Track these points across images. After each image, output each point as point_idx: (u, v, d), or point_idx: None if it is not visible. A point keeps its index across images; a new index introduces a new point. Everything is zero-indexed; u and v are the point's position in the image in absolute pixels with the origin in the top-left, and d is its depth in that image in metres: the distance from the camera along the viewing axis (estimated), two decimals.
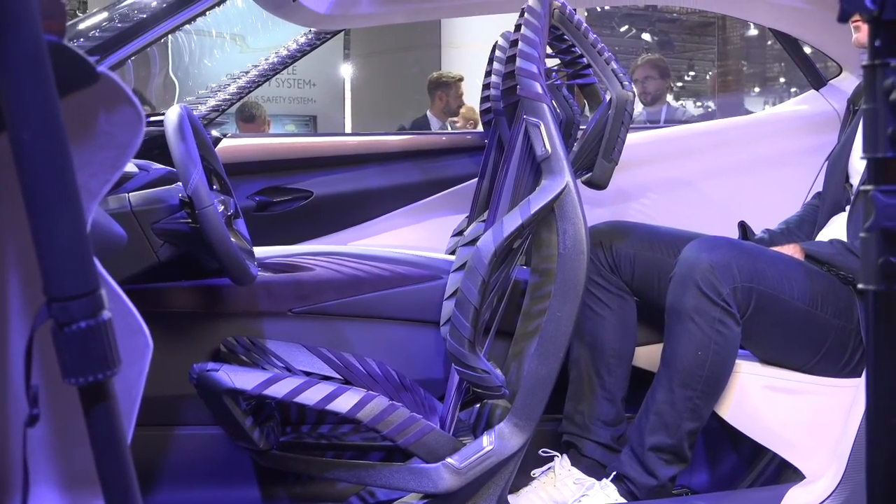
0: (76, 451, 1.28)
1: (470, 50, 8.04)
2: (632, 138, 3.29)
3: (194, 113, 3.42)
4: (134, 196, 2.59)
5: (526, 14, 2.63)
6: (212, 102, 3.61)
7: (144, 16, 2.47)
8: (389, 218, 3.65)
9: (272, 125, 10.77)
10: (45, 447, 1.17)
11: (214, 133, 3.55)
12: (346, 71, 12.60)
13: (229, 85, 3.66)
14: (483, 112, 3.42)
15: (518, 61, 2.57)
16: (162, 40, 2.73)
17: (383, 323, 3.00)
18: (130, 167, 2.70)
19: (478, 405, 2.91)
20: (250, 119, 7.23)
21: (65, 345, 1.00)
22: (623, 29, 16.65)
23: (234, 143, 3.56)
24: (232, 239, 2.54)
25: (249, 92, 3.69)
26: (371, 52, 12.35)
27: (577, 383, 2.86)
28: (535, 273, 2.66)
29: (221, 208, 2.62)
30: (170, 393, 2.78)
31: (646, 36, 16.85)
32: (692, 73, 19.26)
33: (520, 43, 2.59)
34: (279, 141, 3.92)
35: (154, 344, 2.78)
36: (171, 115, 2.55)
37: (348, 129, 12.16)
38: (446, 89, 7.00)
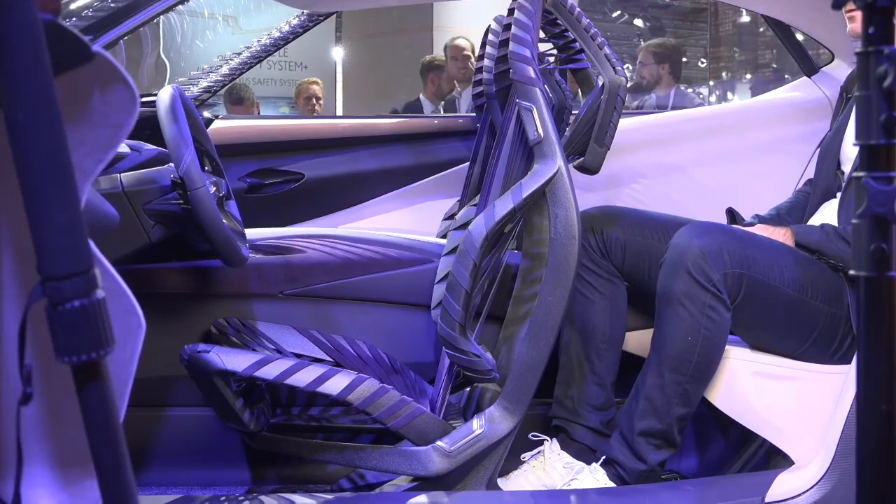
0: (69, 430, 1.28)
1: (462, 33, 8.03)
2: (624, 123, 3.29)
3: (188, 93, 3.43)
4: (126, 176, 2.59)
5: None
6: (203, 84, 3.60)
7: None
8: (381, 201, 3.65)
9: (263, 107, 10.75)
10: (39, 426, 1.18)
11: (206, 114, 3.54)
12: (338, 53, 12.55)
13: (221, 66, 3.64)
14: (475, 96, 3.42)
15: (511, 45, 2.57)
16: (154, 21, 2.72)
17: (374, 305, 3.00)
18: (122, 147, 2.69)
19: (468, 388, 2.91)
20: (239, 101, 7.21)
21: (58, 323, 1.00)
22: (615, 14, 16.61)
23: (225, 125, 3.55)
24: (223, 221, 2.54)
25: (241, 74, 3.68)
26: (363, 35, 12.31)
27: (567, 368, 2.86)
28: (527, 257, 2.66)
29: (213, 190, 2.61)
30: (161, 374, 2.78)
31: (638, 21, 16.81)
32: (684, 60, 19.24)
33: (513, 27, 2.59)
34: (271, 123, 3.91)
35: (145, 325, 2.79)
36: (164, 96, 2.55)
37: (339, 112, 12.12)
38: (438, 72, 7.01)
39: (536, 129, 2.52)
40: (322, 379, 2.47)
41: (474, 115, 3.58)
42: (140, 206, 2.57)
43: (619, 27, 16.38)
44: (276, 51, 3.71)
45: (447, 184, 3.62)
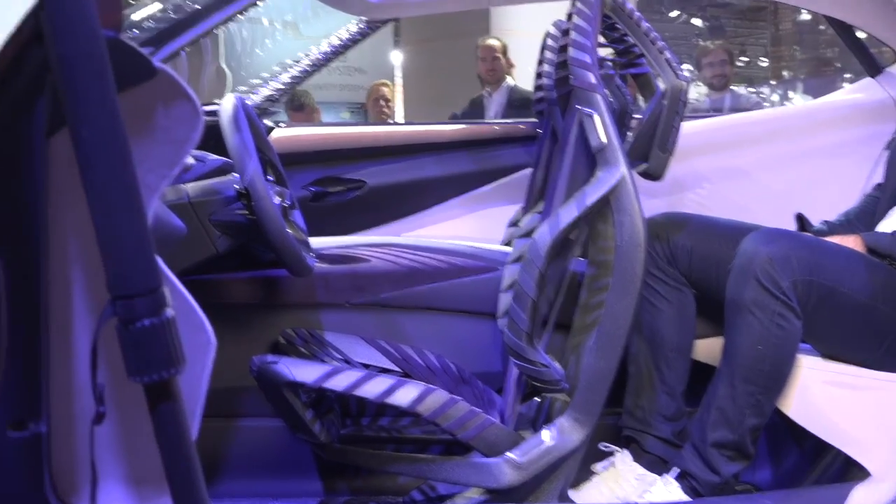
0: (143, 446, 1.27)
1: (520, 36, 7.99)
2: (688, 127, 3.25)
3: (249, 102, 3.43)
4: (191, 187, 2.59)
5: (578, 3, 2.60)
6: (265, 92, 3.60)
7: (197, 6, 2.46)
8: (444, 208, 3.63)
9: (325, 113, 10.77)
10: (113, 443, 1.17)
11: (268, 123, 3.54)
12: (397, 58, 12.57)
13: (281, 75, 3.64)
14: (536, 101, 3.39)
15: (570, 51, 2.54)
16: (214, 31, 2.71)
17: (441, 315, 2.98)
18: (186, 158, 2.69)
19: (538, 399, 2.88)
20: (300, 108, 7.21)
21: (129, 343, 0.99)
22: (673, 14, 16.51)
23: (287, 134, 3.55)
24: (288, 230, 2.53)
25: (302, 81, 3.68)
26: (421, 40, 12.31)
27: (637, 378, 2.83)
28: (593, 265, 2.63)
29: (277, 199, 2.61)
30: (231, 384, 2.77)
31: (696, 21, 16.69)
32: (744, 59, 19.06)
33: (572, 32, 2.56)
34: (333, 130, 3.92)
35: (215, 341, 2.78)
36: (226, 106, 2.55)
37: (399, 117, 12.13)
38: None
39: (598, 136, 2.49)
40: (391, 390, 2.45)
41: (535, 120, 3.56)
42: (206, 216, 2.57)
43: (677, 27, 16.28)
44: (335, 58, 3.70)
45: (510, 190, 3.60)
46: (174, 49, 2.48)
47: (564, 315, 2.78)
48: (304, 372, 2.46)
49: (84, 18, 0.95)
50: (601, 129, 2.50)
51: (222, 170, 2.72)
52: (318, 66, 3.69)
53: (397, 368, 2.80)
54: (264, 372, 2.47)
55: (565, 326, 2.77)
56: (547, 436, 2.54)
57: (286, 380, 2.45)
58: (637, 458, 2.73)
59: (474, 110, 6.96)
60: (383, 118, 7.44)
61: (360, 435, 2.79)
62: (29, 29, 1.10)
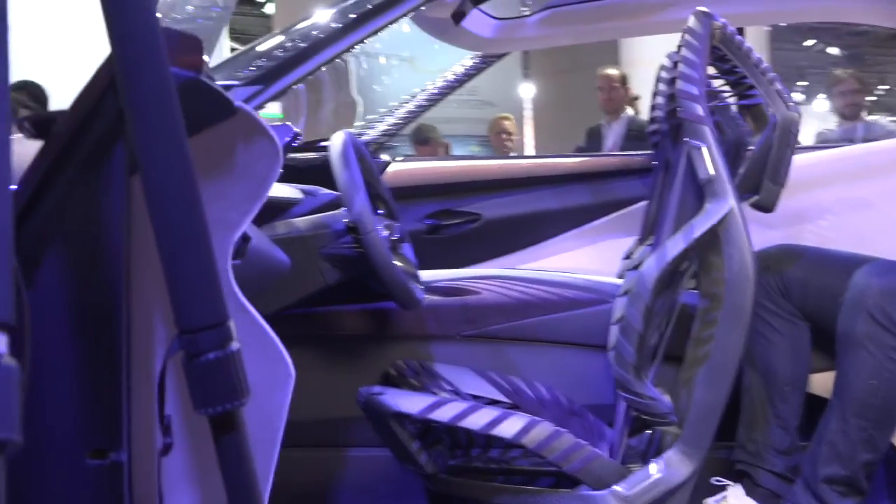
0: (211, 478, 1.30)
1: (649, 68, 7.97)
2: (810, 157, 3.20)
3: (366, 137, 3.48)
4: (302, 221, 2.64)
5: (686, 35, 2.59)
6: (382, 127, 3.65)
7: (305, 44, 2.51)
8: (560, 241, 3.62)
9: (455, 146, 10.85)
10: (187, 474, 1.19)
11: (385, 157, 3.58)
12: (526, 90, 12.62)
13: (398, 109, 3.69)
14: (650, 133, 3.37)
15: (678, 83, 2.54)
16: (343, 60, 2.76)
17: (551, 347, 2.98)
18: (296, 193, 2.75)
19: (649, 432, 2.86)
20: (425, 142, 7.29)
21: (194, 375, 1.02)
22: (809, 43, 16.26)
23: (403, 167, 3.59)
24: (396, 263, 2.56)
25: (418, 116, 3.73)
26: (550, 72, 12.34)
27: (750, 410, 2.78)
28: (704, 297, 2.60)
29: (386, 233, 2.64)
30: (342, 415, 2.81)
31: (833, 49, 16.42)
32: (884, 87, 18.66)
33: (680, 64, 2.55)
34: (448, 164, 3.94)
35: (324, 366, 2.83)
36: (336, 142, 2.59)
37: (528, 149, 12.17)
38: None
39: (707, 168, 2.47)
40: (496, 422, 2.45)
41: (651, 152, 3.54)
42: (316, 249, 2.62)
43: (813, 55, 16.03)
44: (451, 92, 3.74)
45: (627, 222, 3.57)
46: (286, 84, 2.53)
47: (677, 347, 2.75)
48: (409, 403, 2.48)
49: (153, 64, 0.98)
50: (709, 161, 2.48)
51: (333, 204, 2.76)
52: (433, 101, 3.73)
53: (507, 400, 2.81)
54: (371, 403, 2.50)
55: (678, 359, 2.75)
56: (654, 469, 2.52)
57: (392, 411, 2.47)
58: (750, 493, 2.69)
59: (591, 141, 6.91)
60: (505, 151, 7.45)
61: (469, 466, 2.79)
62: (106, 74, 1.14)
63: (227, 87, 2.34)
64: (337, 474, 2.91)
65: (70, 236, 1.19)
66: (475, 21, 3.41)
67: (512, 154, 7.39)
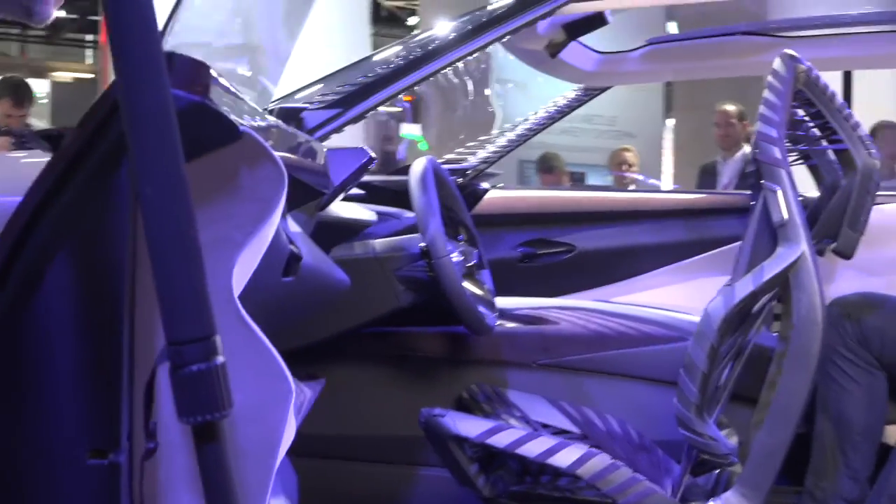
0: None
1: None
2: None
3: (465, 163, 3.53)
4: (379, 243, 2.71)
5: (770, 77, 2.58)
6: (482, 154, 3.69)
7: (387, 70, 2.57)
8: (654, 275, 3.61)
9: (590, 176, 10.84)
10: (184, 477, 1.25)
11: (485, 185, 3.62)
12: (666, 123, 12.54)
13: (498, 138, 3.73)
14: (749, 174, 3.36)
15: (758, 125, 2.54)
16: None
17: (626, 381, 2.98)
18: (371, 214, 2.81)
19: (718, 471, 2.84)
20: (549, 170, 7.31)
21: (178, 386, 1.07)
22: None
23: (500, 195, 3.63)
24: (468, 288, 2.60)
25: (518, 146, 3.76)
26: (693, 106, 12.23)
27: (820, 458, 2.75)
28: (780, 341, 2.59)
29: (460, 258, 2.69)
30: (416, 433, 2.85)
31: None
32: None
33: (761, 106, 2.55)
34: (545, 194, 3.98)
35: (401, 386, 2.88)
36: (416, 168, 2.65)
37: (666, 180, 12.07)
38: None
39: (781, 212, 2.46)
40: (552, 451, 2.48)
41: (750, 192, 3.52)
42: (391, 271, 2.68)
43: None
44: (550, 124, 3.77)
45: (722, 261, 3.55)
46: (366, 108, 2.59)
47: (755, 390, 2.74)
48: (468, 427, 2.52)
49: (152, 86, 1.04)
50: (783, 204, 2.48)
51: (415, 227, 2.82)
52: (534, 131, 3.77)
53: (577, 430, 2.82)
54: (431, 424, 2.54)
55: (754, 401, 2.73)
56: None
57: (451, 433, 2.51)
58: None
59: (706, 178, 6.82)
60: (625, 183, 7.41)
61: (533, 493, 2.80)
62: (114, 94, 1.22)
63: (300, 109, 2.41)
64: (408, 492, 2.96)
65: (76, 245, 1.26)
66: (575, 53, 3.45)
67: (631, 187, 7.36)
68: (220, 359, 1.08)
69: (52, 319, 1.26)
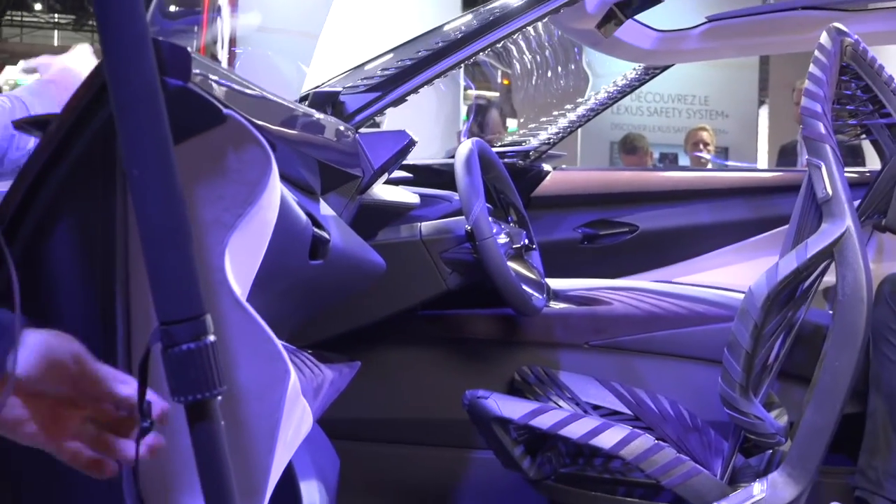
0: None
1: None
2: None
3: (527, 145, 3.53)
4: (425, 225, 2.72)
5: (816, 51, 2.54)
6: (543, 136, 3.69)
7: (426, 53, 2.58)
8: (717, 255, 3.58)
9: (681, 156, 10.70)
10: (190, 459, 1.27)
11: (546, 167, 3.61)
12: (761, 103, 12.34)
13: (559, 119, 3.72)
14: None
15: (803, 100, 2.50)
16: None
17: (678, 361, 2.96)
18: (414, 197, 2.82)
19: (769, 451, 2.81)
20: (632, 151, 7.24)
21: (169, 366, 1.08)
22: None
23: (563, 176, 3.62)
24: (510, 271, 2.60)
25: (579, 126, 3.75)
26: (788, 84, 12.03)
27: (873, 437, 2.70)
28: (832, 319, 2.56)
29: (507, 240, 2.69)
30: (467, 416, 2.87)
31: None
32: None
33: (807, 81, 2.51)
34: (608, 174, 3.96)
35: (453, 368, 2.89)
36: (462, 150, 2.66)
37: (760, 161, 11.89)
38: None
39: (825, 187, 2.43)
40: (595, 432, 2.47)
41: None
42: (437, 254, 2.69)
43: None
44: (612, 104, 3.75)
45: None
46: (405, 91, 2.60)
47: (809, 368, 2.71)
48: (511, 408, 2.53)
49: (140, 68, 1.05)
50: (828, 180, 2.45)
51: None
52: (595, 111, 3.75)
53: (628, 412, 2.81)
54: (474, 406, 2.55)
55: (808, 380, 2.70)
56: (758, 489, 2.49)
57: (494, 415, 2.52)
58: None
59: (785, 157, 6.69)
60: (701, 163, 7.29)
61: (581, 475, 2.80)
62: (99, 76, 1.25)
63: (337, 93, 2.43)
64: (457, 475, 2.97)
65: (67, 228, 1.30)
66: (633, 32, 3.42)
67: (709, 167, 7.24)
68: (211, 338, 1.09)
69: (46, 303, 1.30)
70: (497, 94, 10.61)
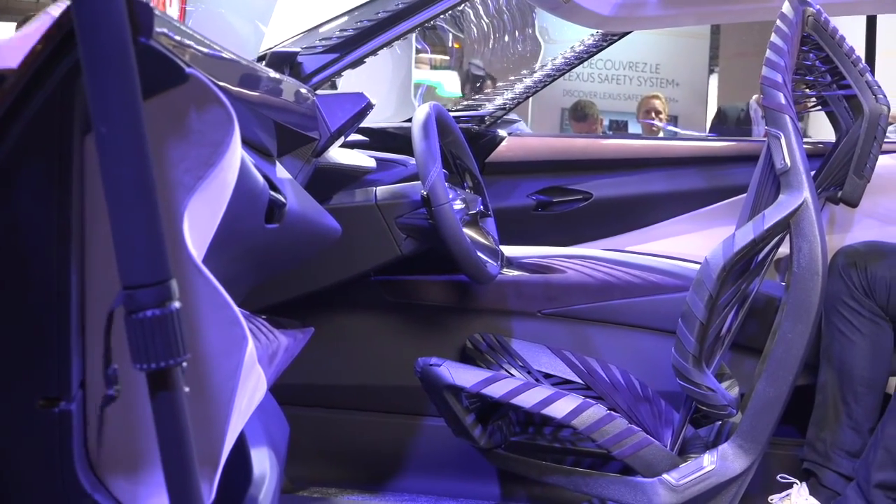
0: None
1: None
2: None
3: (482, 110, 3.50)
4: (380, 190, 2.69)
5: (777, 21, 2.54)
6: (498, 101, 3.66)
7: (385, 16, 2.55)
8: (671, 224, 3.56)
9: (632, 124, 10.72)
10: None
11: (501, 132, 3.58)
12: (711, 71, 12.37)
13: (515, 85, 3.69)
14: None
15: (763, 70, 2.49)
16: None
17: (631, 330, 2.96)
18: (370, 161, 2.79)
19: (719, 423, 2.82)
20: (582, 118, 7.21)
21: (132, 331, 1.05)
22: None
23: (517, 142, 3.59)
24: (465, 237, 2.58)
25: (535, 92, 3.72)
26: (737, 54, 12.06)
27: (822, 409, 2.72)
28: (785, 291, 2.56)
29: (462, 206, 2.67)
30: (418, 383, 2.85)
31: None
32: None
33: (767, 51, 2.50)
34: (563, 140, 3.92)
35: (403, 334, 2.86)
36: (419, 114, 2.62)
37: (708, 129, 11.94)
38: None
39: (784, 158, 2.43)
40: (547, 401, 2.47)
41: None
42: (392, 219, 2.67)
43: None
44: (569, 70, 3.73)
45: (740, 209, 3.51)
46: (363, 54, 2.58)
47: (760, 340, 2.71)
48: (464, 376, 2.51)
49: (110, 22, 1.01)
50: (787, 151, 2.44)
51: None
52: (552, 77, 3.72)
53: (579, 380, 2.81)
54: (426, 373, 2.54)
55: (760, 352, 2.71)
56: (707, 460, 2.50)
57: (446, 383, 2.50)
58: (814, 493, 2.64)
59: (720, 119, 6.66)
60: (653, 131, 7.30)
61: (531, 443, 2.79)
62: (58, 31, 1.20)
63: (294, 54, 2.40)
64: (411, 443, 2.96)
65: (20, 190, 1.26)
66: None
67: (660, 135, 7.25)
68: (176, 304, 1.06)
69: None
70: (449, 58, 10.56)
